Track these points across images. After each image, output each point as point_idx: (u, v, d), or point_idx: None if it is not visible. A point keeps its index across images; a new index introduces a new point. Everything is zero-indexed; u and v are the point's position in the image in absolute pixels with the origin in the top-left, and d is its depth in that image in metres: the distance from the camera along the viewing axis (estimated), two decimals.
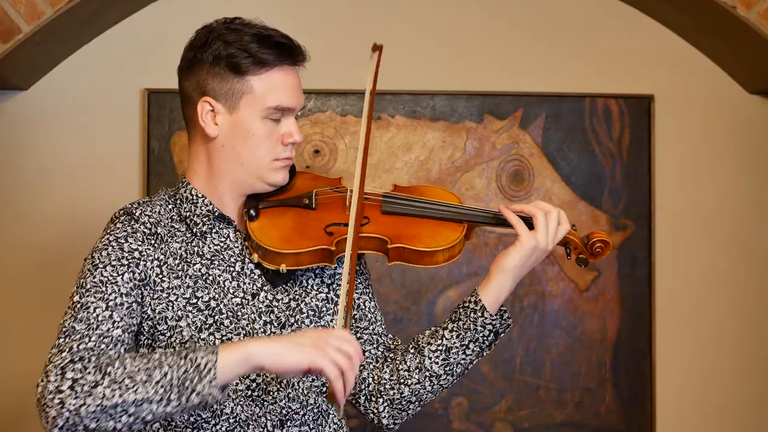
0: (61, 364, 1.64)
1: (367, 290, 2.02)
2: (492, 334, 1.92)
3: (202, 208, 1.88)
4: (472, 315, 1.90)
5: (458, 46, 3.13)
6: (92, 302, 1.74)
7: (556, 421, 3.11)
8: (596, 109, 3.13)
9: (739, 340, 3.15)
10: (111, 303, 1.75)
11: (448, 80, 3.12)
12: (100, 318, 1.72)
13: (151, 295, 1.81)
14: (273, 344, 1.65)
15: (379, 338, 2.00)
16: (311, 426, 1.89)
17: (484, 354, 1.94)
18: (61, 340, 1.70)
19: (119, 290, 1.76)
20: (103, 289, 1.75)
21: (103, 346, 1.70)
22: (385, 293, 3.07)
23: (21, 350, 3.02)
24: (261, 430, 1.83)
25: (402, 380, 1.94)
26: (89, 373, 1.62)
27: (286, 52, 1.86)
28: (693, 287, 3.15)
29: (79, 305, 1.74)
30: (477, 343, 1.91)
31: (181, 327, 1.80)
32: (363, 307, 1.99)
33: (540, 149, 3.13)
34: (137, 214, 1.85)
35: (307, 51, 1.90)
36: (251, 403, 1.83)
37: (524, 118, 3.12)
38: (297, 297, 1.89)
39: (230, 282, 1.85)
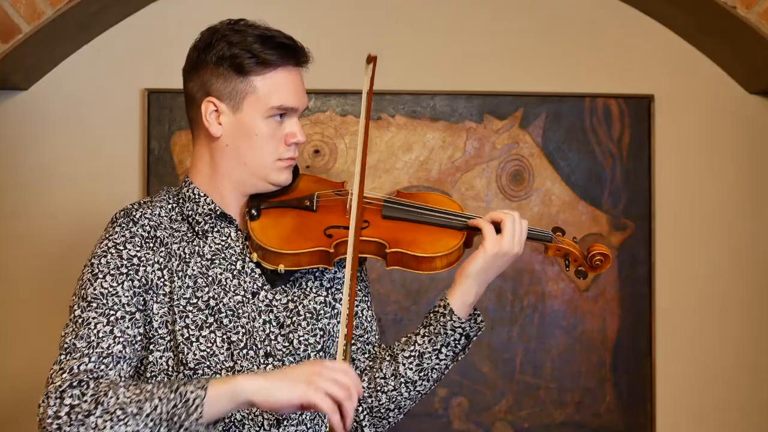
0: (61, 387, 1.66)
1: (366, 298, 2.03)
2: (463, 338, 1.92)
3: (204, 206, 1.88)
4: (441, 319, 1.91)
5: (458, 46, 3.13)
6: (93, 317, 1.76)
7: (556, 421, 3.11)
8: (596, 109, 3.13)
9: (739, 340, 3.15)
10: (112, 318, 1.76)
11: (448, 80, 3.12)
12: (101, 334, 1.74)
13: (154, 299, 1.82)
14: (263, 380, 1.64)
15: (372, 348, 2.01)
16: (308, 426, 1.89)
17: (459, 359, 1.95)
18: (63, 356, 1.73)
19: (120, 301, 1.78)
20: (104, 301, 1.77)
21: (103, 366, 1.72)
22: (385, 293, 3.07)
23: (21, 349, 3.02)
24: (258, 428, 1.83)
25: (378, 388, 1.94)
26: (85, 401, 1.64)
27: (289, 52, 1.87)
28: (693, 287, 3.15)
29: (80, 320, 1.76)
30: (449, 348, 1.92)
31: (180, 327, 1.81)
32: (360, 315, 2.00)
33: (540, 149, 3.13)
34: (137, 216, 1.86)
35: (311, 52, 1.90)
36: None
37: (524, 118, 3.12)
38: (295, 299, 1.90)
39: (231, 280, 1.86)
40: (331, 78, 2.99)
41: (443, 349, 1.92)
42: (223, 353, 1.82)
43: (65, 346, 1.74)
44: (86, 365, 1.71)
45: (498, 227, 1.89)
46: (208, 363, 1.81)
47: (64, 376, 1.68)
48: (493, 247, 1.88)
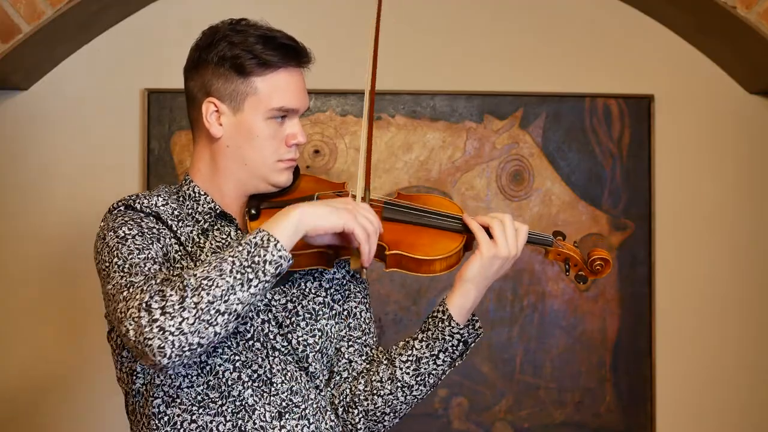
0: (140, 305, 1.60)
1: (365, 300, 2.02)
2: (461, 344, 1.91)
3: (205, 205, 1.88)
4: (440, 325, 1.90)
5: (458, 46, 3.14)
6: (138, 261, 1.71)
7: (556, 421, 3.11)
8: (596, 109, 3.13)
9: (739, 340, 3.16)
10: (157, 260, 1.73)
11: (448, 80, 3.12)
12: (152, 271, 1.70)
13: (171, 272, 1.79)
14: (313, 207, 1.71)
15: (369, 351, 2.00)
16: (310, 420, 1.88)
17: (456, 364, 1.94)
18: (125, 293, 1.65)
19: (155, 255, 1.75)
20: (143, 253, 1.73)
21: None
22: (385, 293, 3.07)
23: (21, 349, 3.02)
24: (260, 419, 1.83)
25: (375, 391, 1.93)
26: (171, 295, 1.60)
27: (291, 53, 1.86)
28: (693, 287, 3.15)
29: (126, 268, 1.70)
30: (447, 353, 1.91)
31: None
32: (359, 316, 1.99)
33: (540, 149, 3.13)
34: (136, 204, 1.85)
35: (312, 52, 1.90)
36: (253, 393, 1.83)
37: (524, 118, 3.13)
38: (294, 299, 1.89)
39: None
40: (331, 78, 2.99)
41: (441, 355, 1.91)
42: None
43: (121, 289, 1.66)
44: (153, 284, 1.64)
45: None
46: None
47: (137, 297, 1.61)
48: (488, 250, 1.87)
